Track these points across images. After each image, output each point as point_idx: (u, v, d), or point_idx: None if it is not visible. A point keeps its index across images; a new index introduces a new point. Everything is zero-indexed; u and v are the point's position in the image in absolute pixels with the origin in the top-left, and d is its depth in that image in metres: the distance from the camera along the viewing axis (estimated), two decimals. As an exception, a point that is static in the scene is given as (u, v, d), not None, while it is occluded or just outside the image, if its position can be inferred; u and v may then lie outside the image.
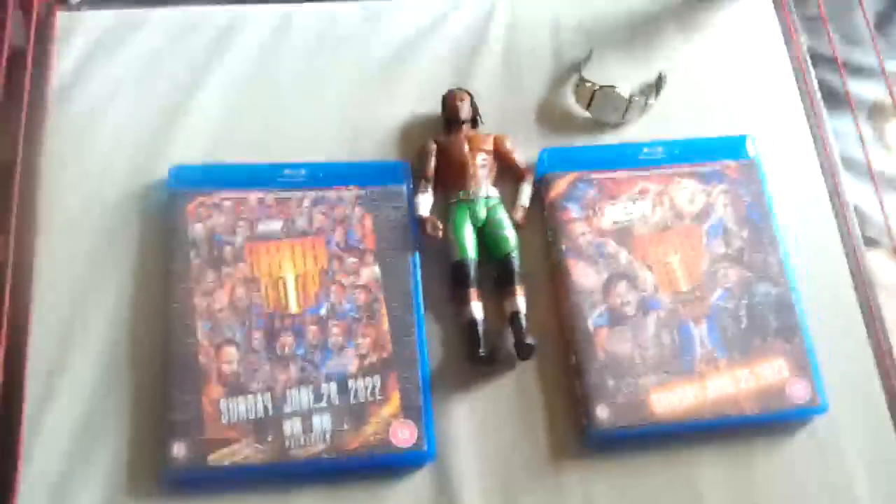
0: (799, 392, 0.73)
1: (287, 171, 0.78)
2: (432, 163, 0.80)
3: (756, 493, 0.72)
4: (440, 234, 0.76)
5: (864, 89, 0.98)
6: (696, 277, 0.77)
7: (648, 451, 0.72)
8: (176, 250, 0.73)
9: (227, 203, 0.76)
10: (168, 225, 0.75)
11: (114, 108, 0.82)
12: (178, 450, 0.67)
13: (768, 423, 0.73)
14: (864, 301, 0.80)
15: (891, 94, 0.83)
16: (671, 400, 0.72)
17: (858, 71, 1.03)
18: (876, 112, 0.96)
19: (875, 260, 0.87)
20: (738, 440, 0.73)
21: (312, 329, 0.72)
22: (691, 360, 0.73)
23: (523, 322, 0.74)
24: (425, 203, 0.78)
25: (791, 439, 0.74)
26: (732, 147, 0.83)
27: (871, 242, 0.89)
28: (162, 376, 0.69)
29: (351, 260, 0.75)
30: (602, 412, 0.71)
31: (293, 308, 0.73)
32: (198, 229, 0.74)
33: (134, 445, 0.68)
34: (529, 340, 0.73)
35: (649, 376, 0.72)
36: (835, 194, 0.85)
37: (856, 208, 0.86)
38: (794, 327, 0.75)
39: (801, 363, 0.74)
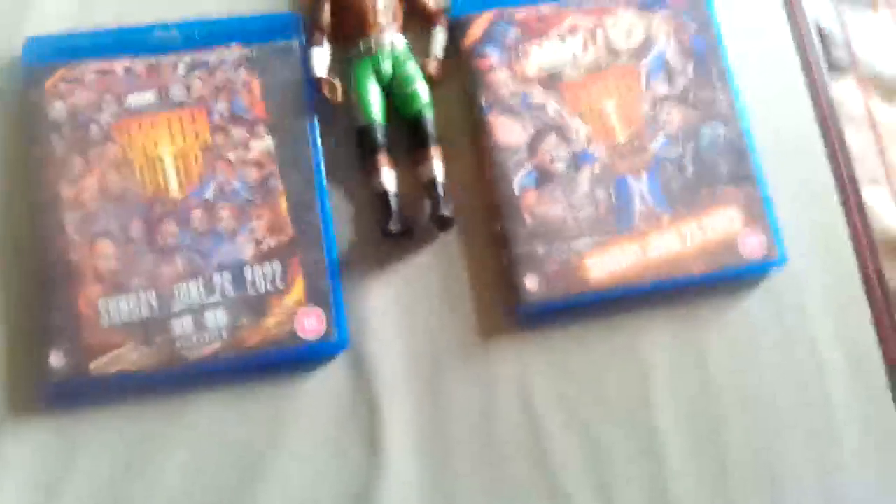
0: (753, 245, 0.65)
1: (158, 33, 0.67)
2: (327, 10, 0.69)
3: (709, 361, 0.65)
4: (339, 95, 0.66)
5: None
6: (634, 124, 0.67)
7: (586, 323, 0.65)
8: (36, 134, 0.64)
9: (89, 76, 0.65)
10: (25, 106, 0.65)
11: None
12: (56, 359, 0.60)
13: (719, 283, 0.66)
14: (828, 138, 0.71)
15: None
16: (608, 264, 0.64)
17: None
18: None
19: (842, 90, 0.77)
20: (686, 304, 0.66)
21: (198, 214, 0.63)
22: (630, 218, 0.65)
23: (440, 190, 0.65)
24: (321, 59, 0.68)
25: (746, 298, 0.66)
26: (676, -32, 0.72)
27: (837, 68, 0.78)
28: (34, 279, 0.62)
29: (238, 132, 0.65)
30: (532, 283, 0.63)
31: (174, 192, 0.64)
32: (58, 108, 0.64)
33: (10, 357, 0.62)
34: (446, 211, 0.64)
35: (583, 239, 0.64)
36: (793, 15, 0.73)
37: (821, 30, 0.76)
38: (748, 172, 0.67)
39: (756, 212, 0.66)
